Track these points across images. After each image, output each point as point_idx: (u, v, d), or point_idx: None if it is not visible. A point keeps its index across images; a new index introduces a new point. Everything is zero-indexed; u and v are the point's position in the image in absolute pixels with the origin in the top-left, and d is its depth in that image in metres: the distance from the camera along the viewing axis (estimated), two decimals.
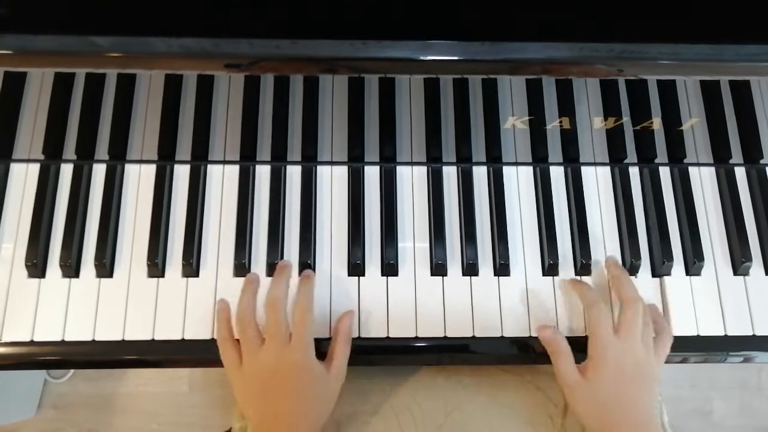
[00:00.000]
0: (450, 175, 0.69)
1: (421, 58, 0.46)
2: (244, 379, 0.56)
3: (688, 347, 0.63)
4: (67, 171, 0.67)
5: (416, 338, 0.63)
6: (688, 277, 0.66)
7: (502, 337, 0.64)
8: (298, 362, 0.55)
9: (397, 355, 0.64)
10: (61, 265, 0.63)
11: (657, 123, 0.60)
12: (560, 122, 0.59)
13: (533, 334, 0.63)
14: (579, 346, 0.59)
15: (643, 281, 0.65)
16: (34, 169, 0.66)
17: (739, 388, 1.47)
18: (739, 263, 0.65)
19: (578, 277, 0.65)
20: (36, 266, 0.63)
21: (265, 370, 0.55)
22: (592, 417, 0.55)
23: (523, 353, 0.64)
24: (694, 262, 0.65)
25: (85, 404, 1.43)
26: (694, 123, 0.59)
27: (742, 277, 0.66)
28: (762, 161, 0.68)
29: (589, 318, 0.58)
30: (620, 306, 0.59)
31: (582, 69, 0.49)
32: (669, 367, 0.62)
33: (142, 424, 1.42)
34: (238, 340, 0.58)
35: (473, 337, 0.64)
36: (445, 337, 0.63)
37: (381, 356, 0.64)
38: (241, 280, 0.64)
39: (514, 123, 0.59)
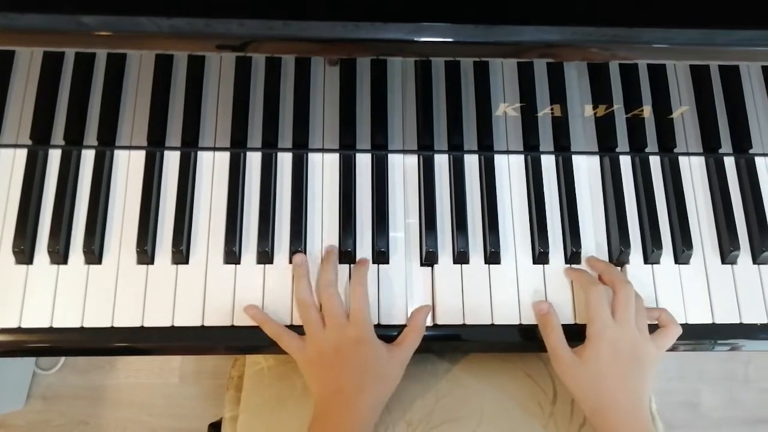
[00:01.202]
0: (441, 163, 0.69)
1: (414, 39, 0.46)
2: (307, 357, 0.58)
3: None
4: (55, 157, 0.66)
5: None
6: (677, 265, 0.66)
7: (492, 324, 0.64)
8: (358, 337, 0.57)
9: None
10: (49, 252, 0.63)
11: (647, 111, 0.60)
12: (551, 110, 0.59)
13: (524, 322, 0.64)
14: (569, 333, 0.59)
15: (633, 270, 0.66)
16: (22, 154, 0.66)
17: (726, 379, 1.48)
18: (728, 252, 0.66)
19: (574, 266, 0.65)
20: (24, 252, 0.62)
21: (328, 347, 0.58)
22: (587, 396, 0.56)
23: (514, 341, 0.64)
24: (683, 251, 0.65)
25: (75, 396, 1.42)
26: (684, 111, 0.59)
27: (730, 265, 0.66)
28: (751, 151, 0.69)
29: (588, 299, 0.58)
30: (612, 292, 0.59)
31: (574, 52, 0.49)
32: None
33: (132, 416, 1.41)
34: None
35: (464, 325, 0.64)
36: (436, 325, 0.64)
37: None
38: (231, 267, 0.64)
39: (506, 110, 0.59)
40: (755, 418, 1.48)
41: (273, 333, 0.60)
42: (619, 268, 0.65)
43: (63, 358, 1.44)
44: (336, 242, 0.65)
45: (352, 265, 0.65)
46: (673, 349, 0.64)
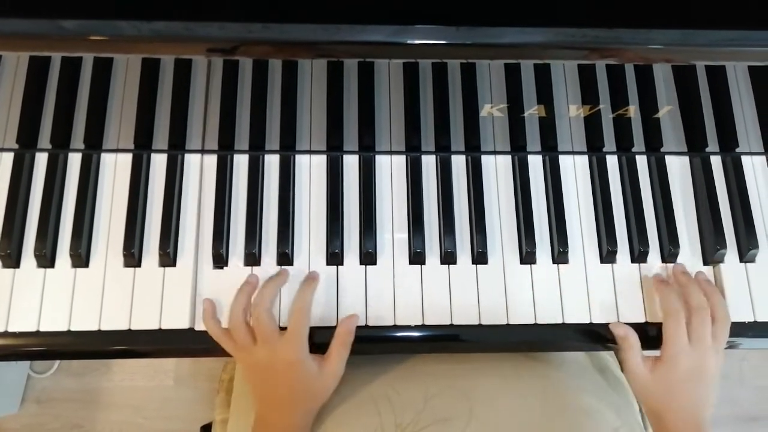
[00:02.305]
0: (429, 164, 0.69)
1: (394, 41, 0.46)
2: (244, 368, 0.62)
3: None
4: (42, 160, 0.66)
5: (395, 327, 0.64)
6: (665, 264, 0.66)
7: (480, 324, 0.64)
8: (289, 360, 0.59)
9: (377, 344, 0.65)
10: (36, 255, 0.63)
11: (633, 110, 0.60)
12: (536, 110, 0.59)
13: (511, 322, 0.64)
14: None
15: (620, 268, 0.66)
16: (8, 158, 0.66)
17: (721, 378, 1.48)
18: (714, 251, 0.66)
19: (661, 269, 0.66)
20: (10, 256, 0.62)
21: (260, 365, 0.60)
22: (649, 403, 0.61)
23: (503, 340, 0.65)
24: (670, 250, 0.65)
25: (69, 399, 1.42)
26: (669, 110, 0.59)
27: (718, 264, 0.66)
28: (737, 150, 0.69)
29: (666, 325, 0.60)
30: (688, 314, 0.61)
31: (556, 53, 0.49)
32: None
33: (127, 418, 1.41)
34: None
35: (452, 325, 0.64)
36: (424, 326, 0.64)
37: (360, 345, 0.64)
38: (219, 271, 0.64)
39: (490, 111, 0.59)
40: (750, 416, 1.48)
41: (214, 335, 0.61)
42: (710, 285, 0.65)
43: (57, 362, 1.44)
44: (324, 244, 0.65)
45: (339, 267, 0.65)
46: None
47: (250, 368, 0.61)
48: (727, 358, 1.50)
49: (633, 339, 0.61)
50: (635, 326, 0.63)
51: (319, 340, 0.62)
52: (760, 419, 1.48)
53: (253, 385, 0.62)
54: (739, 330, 0.65)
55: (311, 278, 0.64)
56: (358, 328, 0.63)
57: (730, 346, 0.66)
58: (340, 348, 0.61)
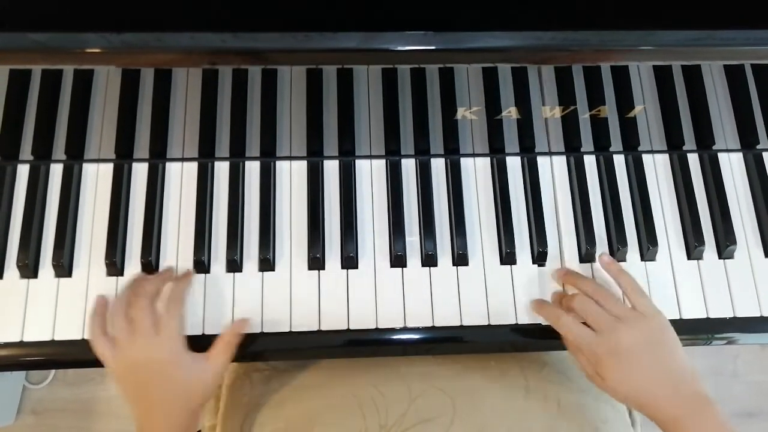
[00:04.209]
0: (408, 167, 0.69)
1: (364, 47, 0.47)
2: (118, 370, 0.58)
3: None
4: (23, 171, 0.66)
5: (377, 330, 0.64)
6: (643, 262, 0.67)
7: (462, 326, 0.64)
8: (165, 358, 0.57)
9: (359, 347, 0.65)
10: (18, 266, 0.63)
11: (605, 110, 0.61)
12: (510, 112, 0.60)
13: (492, 322, 0.64)
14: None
15: (600, 268, 0.66)
16: None
17: (715, 374, 1.49)
18: (693, 248, 0.66)
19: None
20: None
21: (135, 365, 0.57)
22: (632, 403, 0.58)
23: (485, 341, 0.65)
24: (648, 248, 0.66)
25: (65, 409, 1.42)
26: (642, 109, 0.60)
27: (696, 261, 0.67)
28: (714, 147, 0.70)
29: (562, 333, 0.59)
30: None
31: (525, 57, 0.50)
32: None
33: (122, 427, 1.41)
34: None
35: (433, 327, 0.64)
36: (406, 328, 0.64)
37: (343, 348, 0.65)
38: (201, 276, 0.64)
39: (465, 114, 0.60)
40: (746, 412, 1.48)
41: (92, 334, 0.58)
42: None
43: (53, 372, 1.44)
44: (305, 249, 0.66)
45: (321, 271, 0.65)
46: None
47: (124, 369, 0.57)
48: (720, 354, 1.50)
49: (578, 359, 0.59)
50: None
51: (302, 345, 0.63)
52: (756, 415, 1.48)
53: (126, 388, 0.58)
54: (719, 326, 0.65)
55: (187, 273, 0.63)
56: (341, 332, 0.64)
57: (701, 342, 0.66)
58: (223, 346, 0.59)
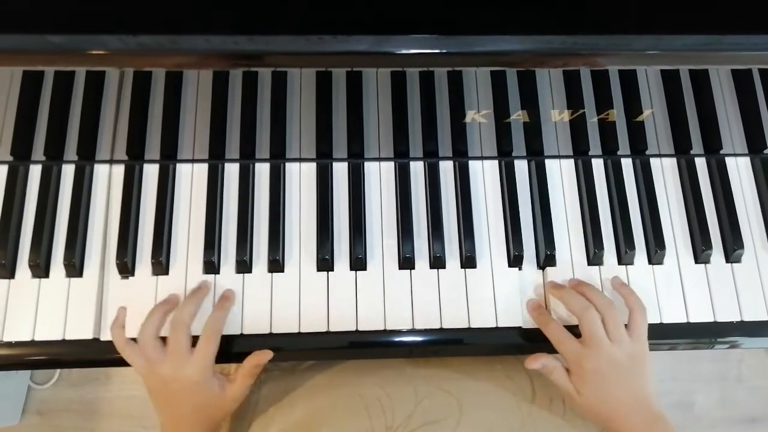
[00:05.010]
0: (417, 170, 0.70)
1: (375, 50, 0.47)
2: (148, 383, 0.61)
3: (651, 335, 0.64)
4: (36, 172, 0.67)
5: (385, 331, 0.64)
6: (651, 266, 0.67)
7: (469, 328, 0.65)
8: (192, 379, 0.60)
9: (367, 348, 0.65)
10: (30, 266, 0.64)
11: (614, 114, 0.61)
12: (519, 115, 0.60)
13: (500, 325, 0.64)
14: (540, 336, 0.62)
15: (607, 271, 0.66)
16: (3, 170, 0.67)
17: (719, 379, 1.48)
18: (700, 251, 0.67)
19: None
20: (5, 267, 0.63)
21: (164, 381, 0.60)
22: (594, 417, 0.60)
23: (492, 343, 0.65)
24: (656, 251, 0.66)
25: (70, 409, 1.43)
26: (650, 114, 0.60)
27: (703, 265, 0.67)
28: (722, 151, 0.70)
29: (583, 324, 0.60)
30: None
31: (536, 61, 0.50)
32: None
33: (126, 428, 1.42)
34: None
35: (441, 329, 0.64)
36: (414, 330, 0.64)
37: (351, 350, 0.65)
38: (211, 277, 0.65)
39: (474, 117, 0.60)
40: (750, 417, 1.48)
41: (119, 346, 0.61)
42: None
43: (58, 373, 1.44)
44: (314, 250, 0.66)
45: (330, 273, 0.66)
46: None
47: (156, 382, 0.61)
48: (724, 359, 1.50)
49: (550, 365, 0.60)
50: None
51: (311, 345, 0.63)
52: (759, 420, 1.48)
53: (156, 397, 0.62)
54: (726, 330, 0.65)
55: (226, 297, 0.64)
56: (349, 333, 0.64)
57: (710, 346, 0.67)
58: (245, 377, 0.62)
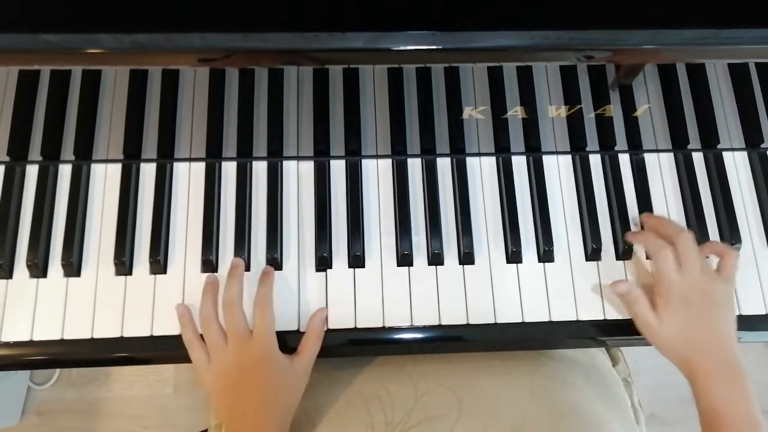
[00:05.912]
0: (415, 166, 0.70)
1: (371, 47, 0.47)
2: (212, 376, 0.59)
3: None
4: (32, 172, 0.67)
5: (384, 328, 0.64)
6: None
7: (468, 324, 0.65)
8: (260, 355, 0.58)
9: (367, 346, 0.65)
10: (28, 266, 0.63)
11: (611, 109, 0.61)
12: (516, 111, 0.60)
13: (499, 321, 0.64)
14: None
15: (606, 266, 0.66)
16: (0, 170, 0.67)
17: None
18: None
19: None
20: (3, 267, 0.63)
21: (231, 366, 0.59)
22: (671, 352, 0.59)
23: (491, 340, 0.65)
24: None
25: (69, 410, 1.43)
26: (647, 109, 0.60)
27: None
28: (719, 146, 0.70)
29: (655, 262, 0.61)
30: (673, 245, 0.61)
31: (533, 56, 0.50)
32: (651, 354, 0.64)
33: (127, 428, 1.42)
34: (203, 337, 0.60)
35: (440, 326, 0.65)
36: (413, 327, 0.64)
37: (350, 347, 0.65)
38: (210, 275, 0.65)
39: (471, 113, 0.60)
40: None
41: (187, 339, 0.60)
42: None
43: (57, 373, 1.44)
44: (312, 248, 0.66)
45: (328, 271, 0.66)
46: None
47: (219, 374, 0.59)
48: None
49: (636, 292, 0.61)
50: (624, 323, 0.64)
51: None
52: (761, 414, 1.48)
53: (219, 393, 0.59)
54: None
55: (266, 273, 0.63)
56: (348, 330, 0.64)
57: None
58: (313, 339, 0.61)
